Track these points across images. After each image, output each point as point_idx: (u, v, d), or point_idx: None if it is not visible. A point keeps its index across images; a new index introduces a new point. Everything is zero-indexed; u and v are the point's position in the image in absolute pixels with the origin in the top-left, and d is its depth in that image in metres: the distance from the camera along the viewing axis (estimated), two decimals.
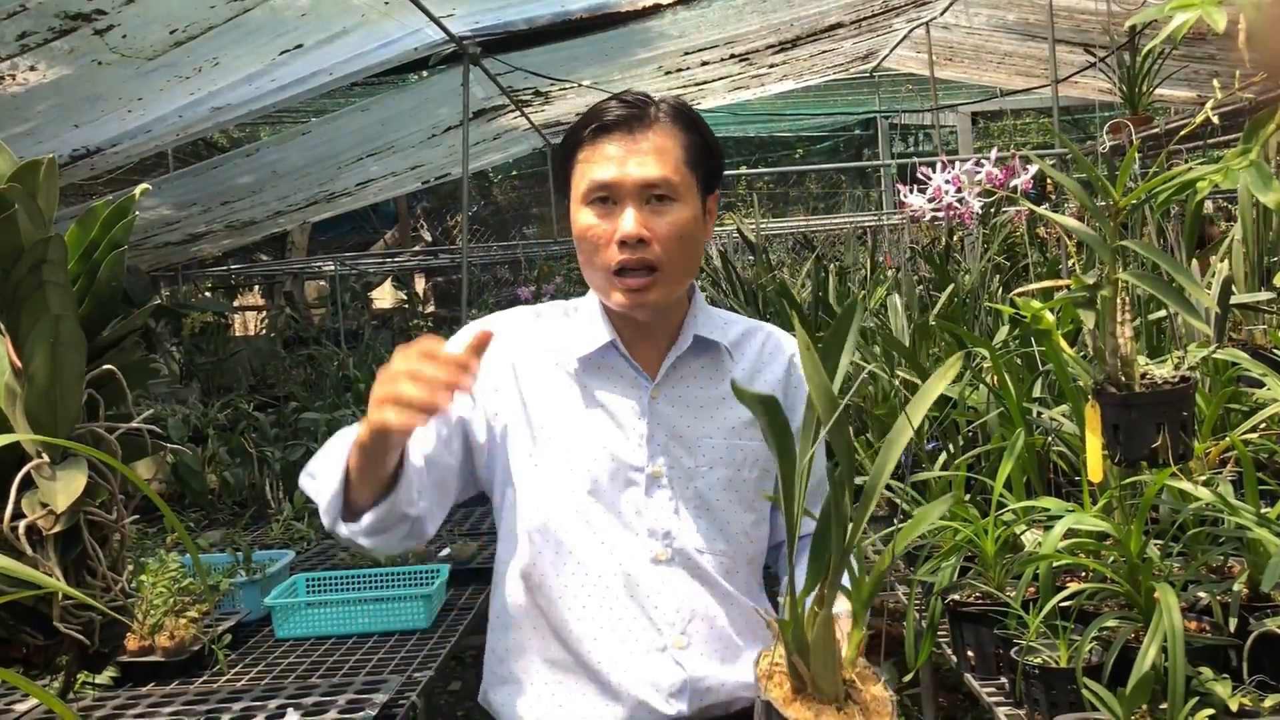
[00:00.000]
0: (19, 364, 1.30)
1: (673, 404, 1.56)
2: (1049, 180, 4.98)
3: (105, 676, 2.22)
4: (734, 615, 1.55)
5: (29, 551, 1.26)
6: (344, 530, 1.43)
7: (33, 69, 3.29)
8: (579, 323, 1.60)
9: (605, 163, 1.48)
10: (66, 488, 1.29)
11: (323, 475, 1.43)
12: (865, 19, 6.31)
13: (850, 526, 1.20)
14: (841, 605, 1.44)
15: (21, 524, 1.26)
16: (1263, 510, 1.65)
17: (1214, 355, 1.94)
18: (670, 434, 1.55)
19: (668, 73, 6.44)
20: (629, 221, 1.46)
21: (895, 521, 2.58)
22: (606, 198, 1.48)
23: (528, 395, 1.56)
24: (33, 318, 1.30)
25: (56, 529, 1.28)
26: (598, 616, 1.52)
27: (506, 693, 1.58)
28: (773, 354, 1.63)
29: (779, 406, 1.14)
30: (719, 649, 1.52)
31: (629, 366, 1.57)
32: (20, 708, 2.14)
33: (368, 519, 1.41)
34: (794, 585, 1.20)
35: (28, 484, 1.29)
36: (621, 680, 1.50)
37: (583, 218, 1.50)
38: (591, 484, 1.52)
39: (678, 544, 1.52)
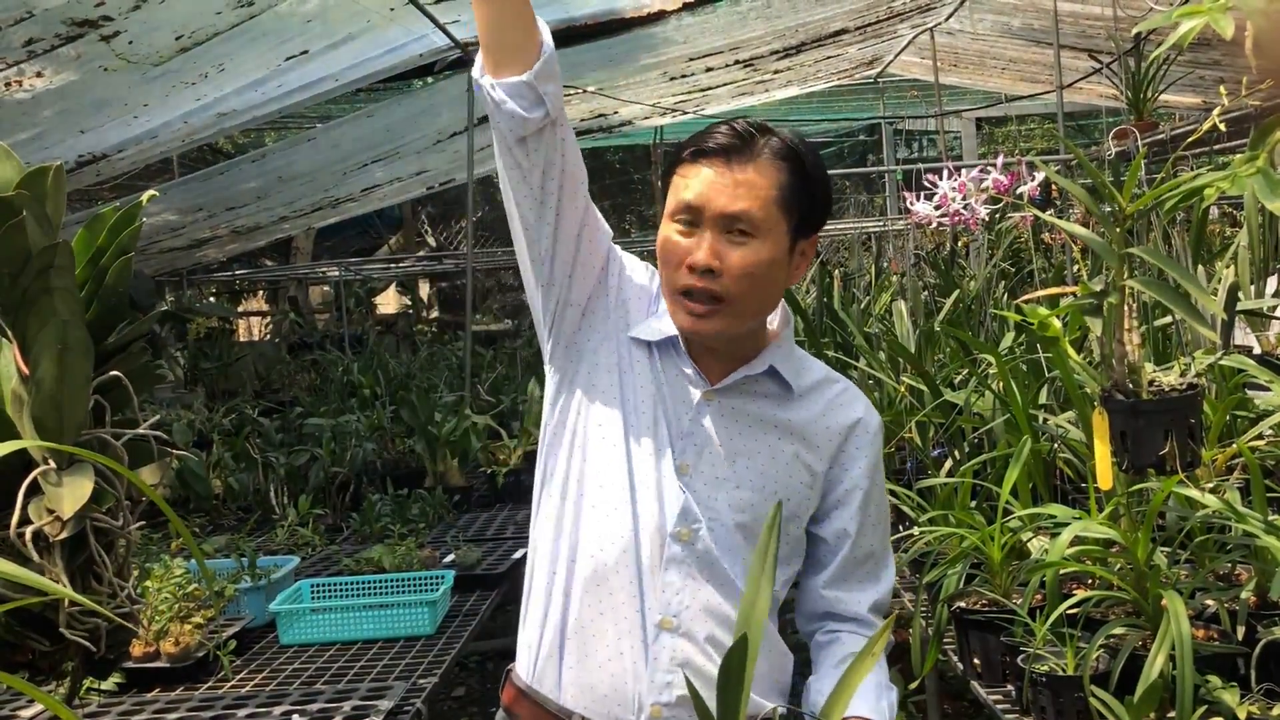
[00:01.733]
0: (26, 370, 1.30)
1: (723, 413, 1.55)
2: (1054, 186, 4.98)
3: (110, 682, 2.22)
4: (726, 621, 1.54)
5: (35, 557, 1.26)
6: (485, 81, 1.46)
7: (40, 75, 3.30)
8: (663, 309, 1.60)
9: (695, 185, 1.49)
10: (73, 493, 1.29)
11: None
12: (870, 25, 6.30)
13: None
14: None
15: (28, 530, 1.26)
16: (1270, 517, 1.64)
17: (1220, 361, 1.93)
18: (710, 439, 1.54)
19: (673, 79, 6.44)
20: (701, 250, 1.47)
21: (900, 529, 2.58)
22: (690, 219, 1.50)
23: (621, 341, 1.58)
24: (40, 323, 1.31)
25: (63, 535, 1.28)
26: (611, 563, 1.52)
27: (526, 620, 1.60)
28: (844, 406, 1.61)
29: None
30: (693, 649, 1.51)
31: (688, 364, 1.57)
32: (25, 714, 2.14)
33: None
34: None
35: (34, 490, 1.29)
36: (611, 634, 1.51)
37: (664, 232, 1.52)
38: (636, 447, 1.53)
39: (700, 533, 1.52)
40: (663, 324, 1.58)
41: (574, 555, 1.54)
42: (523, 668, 1.59)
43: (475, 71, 1.50)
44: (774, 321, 1.62)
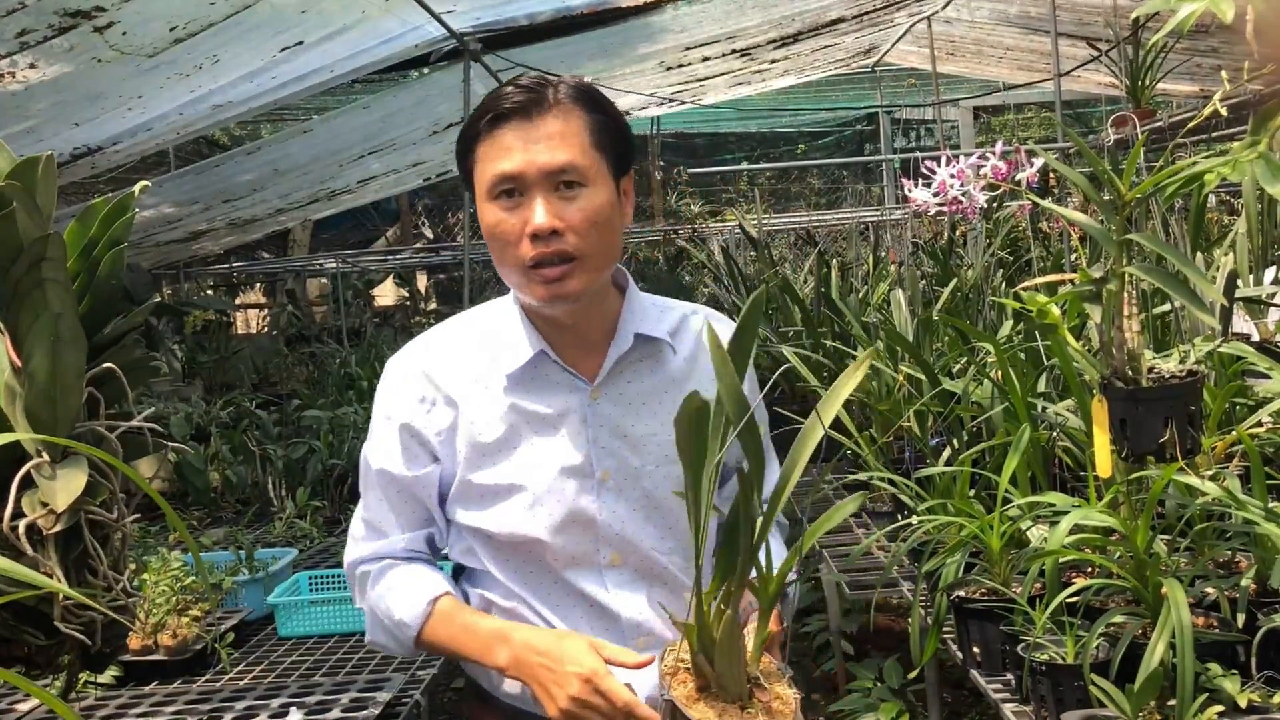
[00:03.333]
0: (19, 362, 1.29)
1: (615, 403, 1.51)
2: (1051, 174, 4.98)
3: (107, 676, 2.21)
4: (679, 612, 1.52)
5: (29, 551, 1.25)
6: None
7: (32, 67, 3.28)
8: (504, 338, 1.53)
9: (506, 153, 1.40)
10: (67, 487, 1.28)
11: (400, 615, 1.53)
12: (867, 13, 6.29)
13: (759, 524, 1.19)
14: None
15: (22, 523, 1.25)
16: (1270, 505, 1.64)
17: (1219, 349, 1.93)
18: (614, 434, 1.50)
19: (669, 68, 6.42)
20: (539, 213, 1.38)
21: (899, 518, 2.58)
22: (512, 189, 1.40)
23: (467, 426, 1.50)
24: (32, 315, 1.30)
25: (57, 528, 1.27)
26: (569, 620, 1.49)
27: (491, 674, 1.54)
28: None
29: (707, 414, 1.18)
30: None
31: (564, 372, 1.51)
32: (22, 708, 2.14)
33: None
34: (700, 585, 1.20)
35: (28, 483, 1.28)
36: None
37: (489, 214, 1.42)
38: (543, 501, 1.47)
39: (632, 547, 1.49)
40: (518, 345, 1.51)
41: (535, 609, 1.50)
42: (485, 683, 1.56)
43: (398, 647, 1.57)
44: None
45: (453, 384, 1.51)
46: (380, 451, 1.54)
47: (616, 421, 1.50)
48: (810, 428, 1.25)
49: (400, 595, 1.51)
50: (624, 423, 1.50)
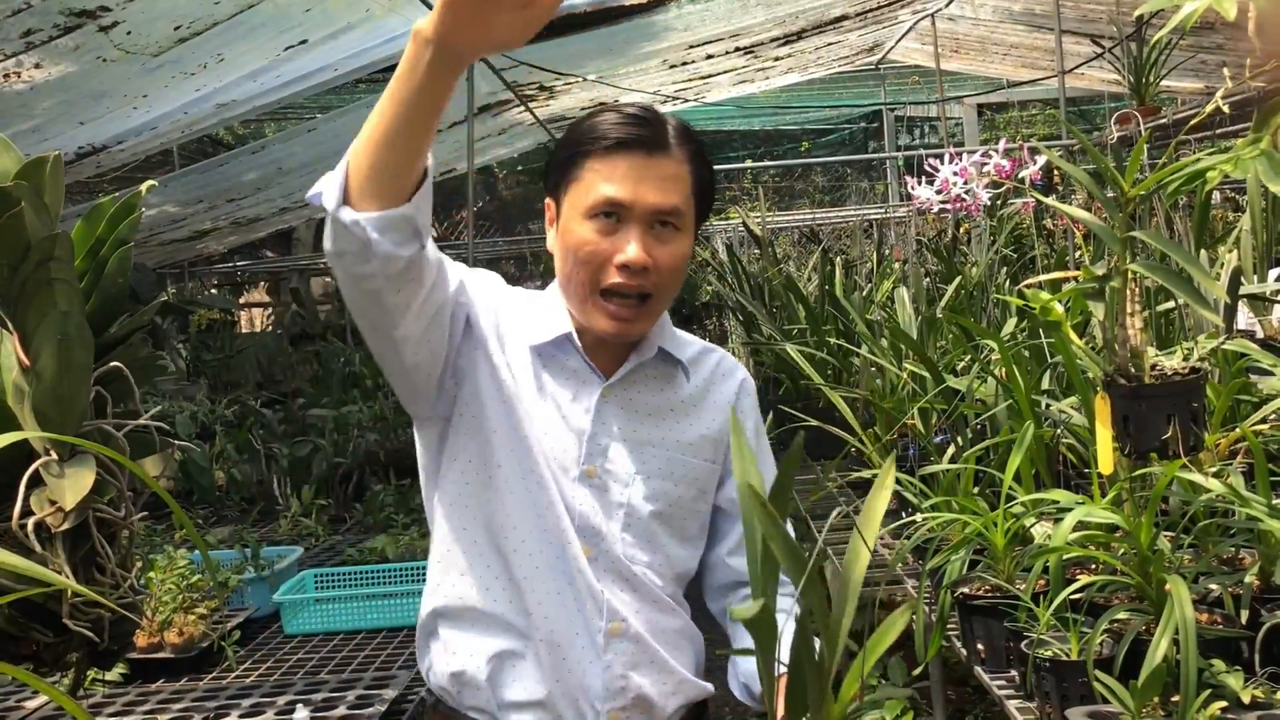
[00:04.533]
0: (26, 361, 1.30)
1: (623, 406, 1.53)
2: (1055, 172, 4.98)
3: (115, 673, 2.22)
4: (655, 619, 1.52)
5: (38, 549, 1.26)
6: (348, 215, 1.26)
7: (38, 66, 3.29)
8: (541, 308, 1.56)
9: (620, 180, 1.43)
10: (75, 485, 1.29)
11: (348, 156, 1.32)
12: (870, 11, 6.29)
13: (831, 664, 1.17)
14: None
15: (30, 521, 1.26)
16: (1274, 501, 1.64)
17: (1223, 346, 1.93)
18: (614, 436, 1.52)
19: (672, 66, 6.42)
20: (636, 248, 1.43)
21: (903, 515, 2.58)
22: (613, 214, 1.44)
23: (497, 360, 1.51)
24: (40, 314, 1.30)
25: (65, 526, 1.28)
26: (542, 592, 1.48)
27: (453, 650, 1.53)
28: (725, 375, 1.63)
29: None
30: (640, 652, 1.50)
31: (583, 362, 1.53)
32: (30, 705, 2.15)
33: (381, 212, 1.27)
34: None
35: (36, 481, 1.28)
36: (566, 656, 1.47)
37: (582, 230, 1.45)
38: (533, 470, 1.48)
39: (604, 546, 1.49)
40: (550, 322, 1.53)
41: (509, 592, 1.48)
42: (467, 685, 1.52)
43: (325, 200, 1.28)
44: None
45: (505, 320, 1.53)
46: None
47: (620, 424, 1.52)
48: (854, 555, 1.24)
49: None
50: (626, 428, 1.52)
